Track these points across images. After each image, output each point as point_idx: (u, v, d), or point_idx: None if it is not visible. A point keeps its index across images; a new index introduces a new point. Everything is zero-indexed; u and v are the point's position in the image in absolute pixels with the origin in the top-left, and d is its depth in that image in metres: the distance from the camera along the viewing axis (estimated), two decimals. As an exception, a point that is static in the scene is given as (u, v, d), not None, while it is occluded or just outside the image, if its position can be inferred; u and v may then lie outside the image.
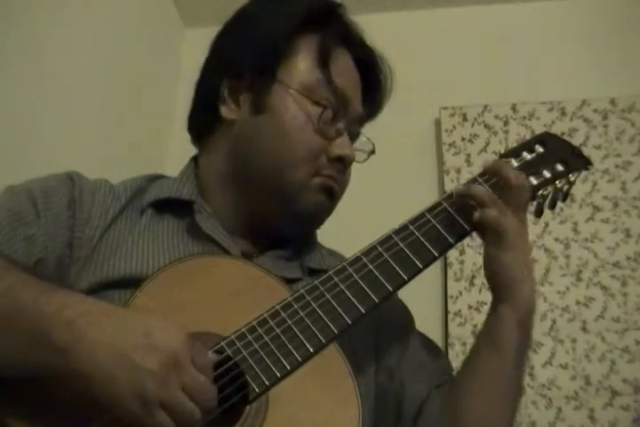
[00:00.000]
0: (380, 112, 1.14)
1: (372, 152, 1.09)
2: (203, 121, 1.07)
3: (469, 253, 2.35)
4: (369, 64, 1.09)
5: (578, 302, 2.37)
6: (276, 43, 1.01)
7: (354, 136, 1.07)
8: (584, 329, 2.34)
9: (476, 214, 0.95)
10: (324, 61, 1.01)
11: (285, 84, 1.00)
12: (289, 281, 0.98)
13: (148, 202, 1.00)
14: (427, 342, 1.10)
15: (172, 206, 1.01)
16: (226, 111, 1.03)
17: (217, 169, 1.04)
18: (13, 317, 0.74)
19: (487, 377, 0.96)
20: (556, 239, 2.43)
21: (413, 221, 0.96)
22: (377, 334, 1.02)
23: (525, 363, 0.99)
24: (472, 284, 2.34)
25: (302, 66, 1.01)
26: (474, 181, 0.99)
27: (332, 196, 1.02)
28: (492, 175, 0.98)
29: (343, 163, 1.01)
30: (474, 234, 0.98)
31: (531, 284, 0.96)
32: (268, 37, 1.02)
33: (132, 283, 0.88)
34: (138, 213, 0.99)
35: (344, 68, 1.04)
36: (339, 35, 1.05)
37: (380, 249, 0.93)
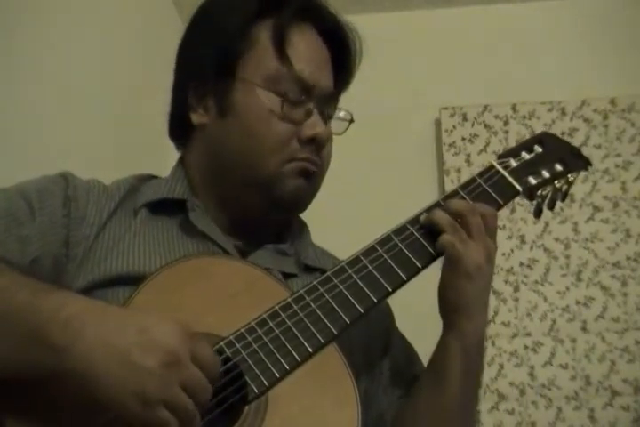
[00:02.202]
0: (351, 80, 1.11)
1: (351, 121, 1.07)
2: (179, 129, 1.08)
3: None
4: (335, 33, 1.07)
5: (578, 302, 2.37)
6: (231, 41, 1.01)
7: (329, 112, 1.05)
8: (584, 329, 2.34)
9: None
10: (280, 47, 1.00)
11: (246, 80, 1.00)
12: (285, 275, 0.99)
13: (141, 203, 1.01)
14: (404, 346, 1.10)
15: (166, 206, 1.01)
16: (196, 118, 1.04)
17: (200, 171, 1.05)
18: (9, 317, 0.74)
19: (430, 405, 0.95)
20: (556, 239, 2.43)
21: (411, 221, 0.96)
22: (367, 334, 1.02)
23: (475, 394, 0.97)
24: (472, 284, 2.34)
25: (261, 57, 1.00)
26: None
27: (309, 177, 1.01)
28: (428, 221, 0.95)
29: (316, 143, 1.00)
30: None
31: (481, 316, 0.94)
32: (223, 37, 1.02)
33: (129, 281, 0.89)
34: (131, 212, 1.00)
35: (305, 48, 1.02)
36: (295, 12, 1.03)
37: (379, 250, 0.93)
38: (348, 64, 1.08)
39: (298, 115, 1.00)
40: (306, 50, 1.03)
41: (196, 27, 1.07)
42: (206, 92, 1.02)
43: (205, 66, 1.03)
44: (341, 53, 1.07)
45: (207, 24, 1.05)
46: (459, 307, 0.93)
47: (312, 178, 1.02)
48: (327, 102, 1.04)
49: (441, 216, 0.94)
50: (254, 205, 1.01)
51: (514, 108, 2.55)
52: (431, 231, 0.94)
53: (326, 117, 1.04)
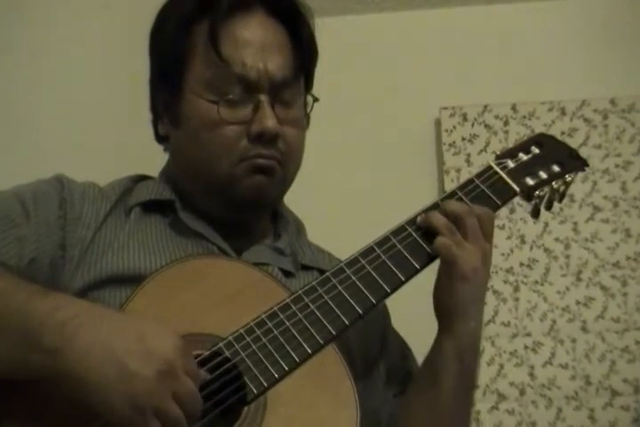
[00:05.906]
0: (312, 58, 1.07)
1: (316, 100, 1.05)
2: (157, 138, 1.08)
3: (469, 253, 2.36)
4: (287, 12, 1.03)
5: (578, 302, 2.37)
6: (171, 53, 1.00)
7: (287, 99, 1.01)
8: (584, 329, 2.35)
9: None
10: (215, 49, 0.97)
11: (190, 89, 0.99)
12: (283, 272, 0.99)
13: (133, 203, 1.01)
14: (399, 344, 1.10)
15: (157, 206, 1.02)
16: (161, 128, 1.05)
17: (176, 176, 1.06)
18: (5, 319, 0.74)
19: (424, 407, 0.95)
20: (556, 239, 2.43)
21: (409, 221, 0.95)
22: (365, 334, 1.03)
23: (469, 395, 0.97)
24: (472, 284, 2.34)
25: (199, 64, 0.99)
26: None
27: (269, 172, 0.99)
28: (425, 223, 0.95)
29: (265, 137, 0.97)
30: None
31: (476, 319, 0.95)
32: (164, 49, 1.02)
33: (125, 280, 0.90)
34: (125, 213, 1.01)
35: (251, 35, 0.98)
36: (231, 4, 0.99)
37: (378, 250, 0.93)
38: (304, 43, 1.04)
39: (243, 113, 0.97)
40: (251, 38, 0.99)
41: (150, 38, 1.06)
42: (167, 104, 1.03)
43: (156, 78, 1.04)
44: (297, 32, 1.03)
45: (153, 36, 1.05)
46: (453, 309, 0.93)
47: (272, 172, 0.99)
48: (282, 89, 1.00)
49: (437, 218, 0.94)
50: (220, 209, 1.01)
51: (514, 108, 2.55)
52: (429, 232, 0.94)
53: (285, 104, 1.00)
